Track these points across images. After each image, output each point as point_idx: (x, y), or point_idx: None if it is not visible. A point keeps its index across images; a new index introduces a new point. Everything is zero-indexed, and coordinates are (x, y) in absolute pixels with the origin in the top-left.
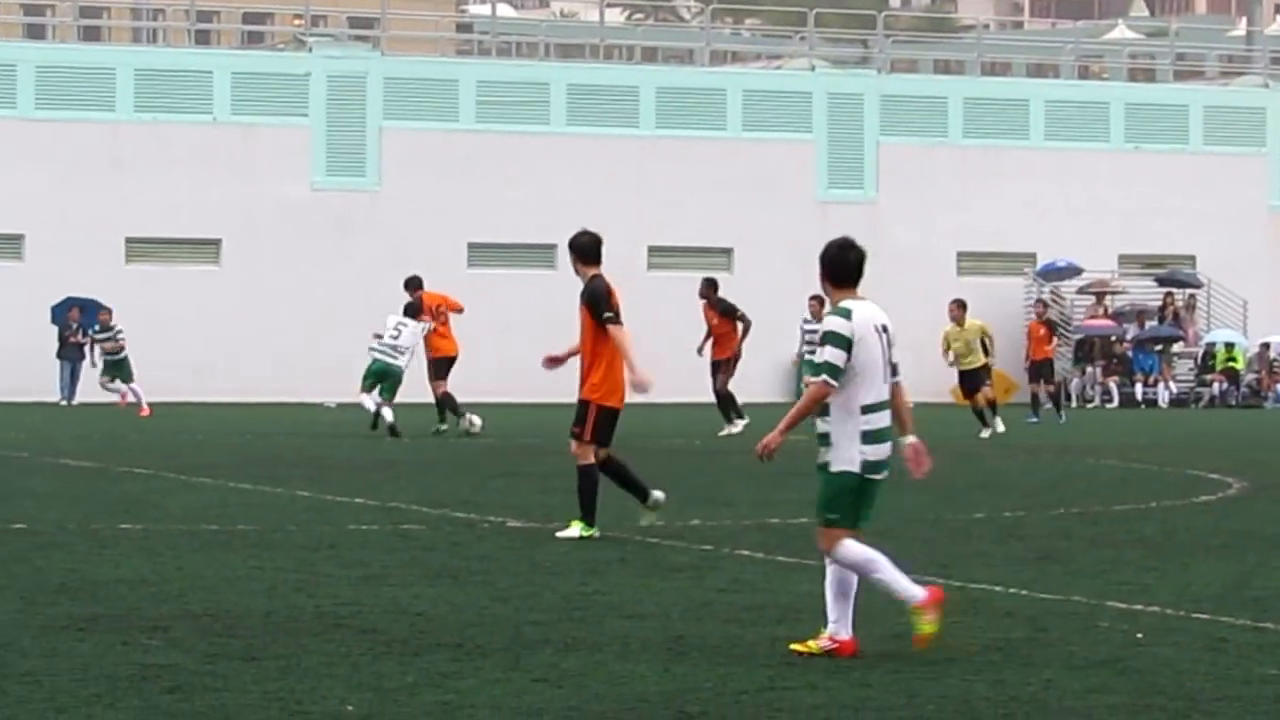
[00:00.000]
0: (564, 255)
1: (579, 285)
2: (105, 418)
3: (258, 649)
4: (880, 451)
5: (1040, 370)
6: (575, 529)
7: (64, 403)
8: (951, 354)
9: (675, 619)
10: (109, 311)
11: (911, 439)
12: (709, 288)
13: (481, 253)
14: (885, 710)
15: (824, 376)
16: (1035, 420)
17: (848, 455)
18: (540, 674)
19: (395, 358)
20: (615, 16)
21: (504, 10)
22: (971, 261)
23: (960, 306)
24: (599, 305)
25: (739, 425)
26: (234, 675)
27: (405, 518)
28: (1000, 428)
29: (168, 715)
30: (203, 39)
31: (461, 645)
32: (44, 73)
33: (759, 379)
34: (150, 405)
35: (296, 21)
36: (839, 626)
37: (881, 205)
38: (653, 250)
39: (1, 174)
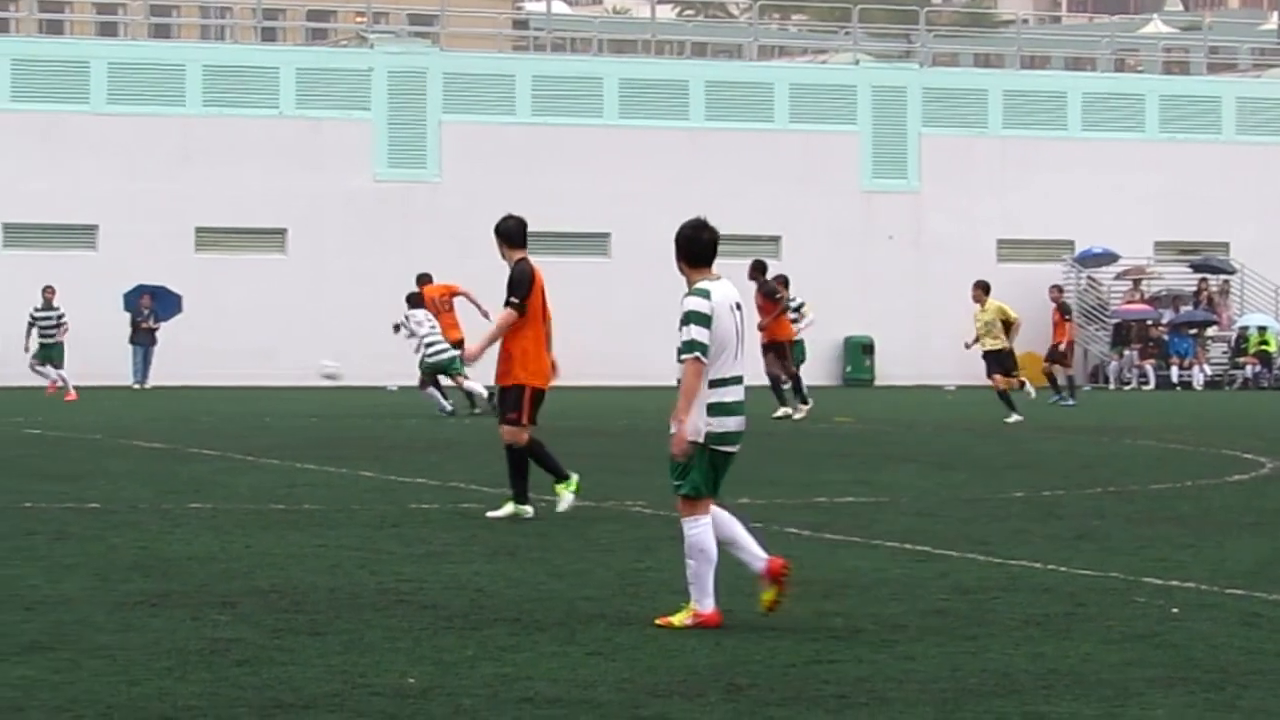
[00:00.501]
0: (617, 244)
1: (633, 272)
2: (176, 401)
3: (322, 624)
4: (727, 424)
5: (1053, 354)
6: (508, 508)
7: (136, 386)
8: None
9: (725, 594)
10: (53, 290)
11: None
12: (756, 270)
13: (538, 241)
14: (929, 682)
15: (695, 354)
16: (1059, 400)
17: (694, 426)
18: (595, 647)
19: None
20: (666, 13)
21: (559, 7)
22: (1011, 249)
23: (981, 288)
24: (511, 288)
25: (802, 410)
26: (300, 649)
27: (464, 497)
28: (1019, 415)
29: (236, 688)
30: (269, 36)
31: (519, 620)
32: (116, 69)
33: (807, 363)
34: (77, 390)
35: (359, 19)
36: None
37: (924, 195)
38: None
39: (76, 167)
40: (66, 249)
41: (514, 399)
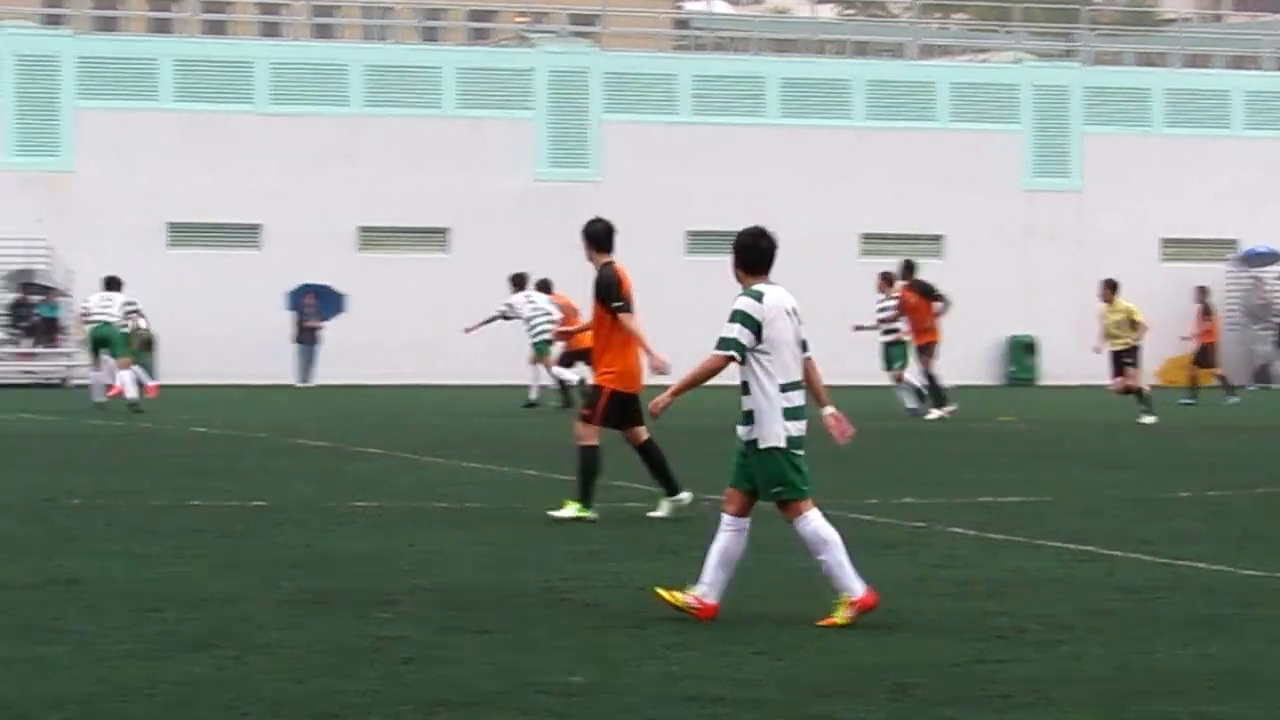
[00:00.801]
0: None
1: (798, 271)
2: (340, 399)
3: (487, 622)
4: (799, 427)
5: (1200, 355)
6: (571, 509)
7: (300, 385)
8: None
9: (889, 594)
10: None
11: (830, 409)
12: (906, 270)
13: (700, 240)
14: (1096, 682)
15: (729, 351)
16: (1190, 402)
17: (774, 431)
18: (760, 646)
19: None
20: (827, 12)
21: (720, 6)
22: (1175, 248)
23: (1110, 287)
24: (609, 294)
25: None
26: (464, 647)
27: (627, 495)
28: (1154, 417)
29: (401, 685)
30: (430, 36)
31: (684, 619)
32: (279, 69)
33: (967, 361)
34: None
35: (520, 19)
36: (709, 590)
37: (1086, 194)
38: (865, 238)
39: (240, 166)
40: (231, 248)
41: (592, 398)
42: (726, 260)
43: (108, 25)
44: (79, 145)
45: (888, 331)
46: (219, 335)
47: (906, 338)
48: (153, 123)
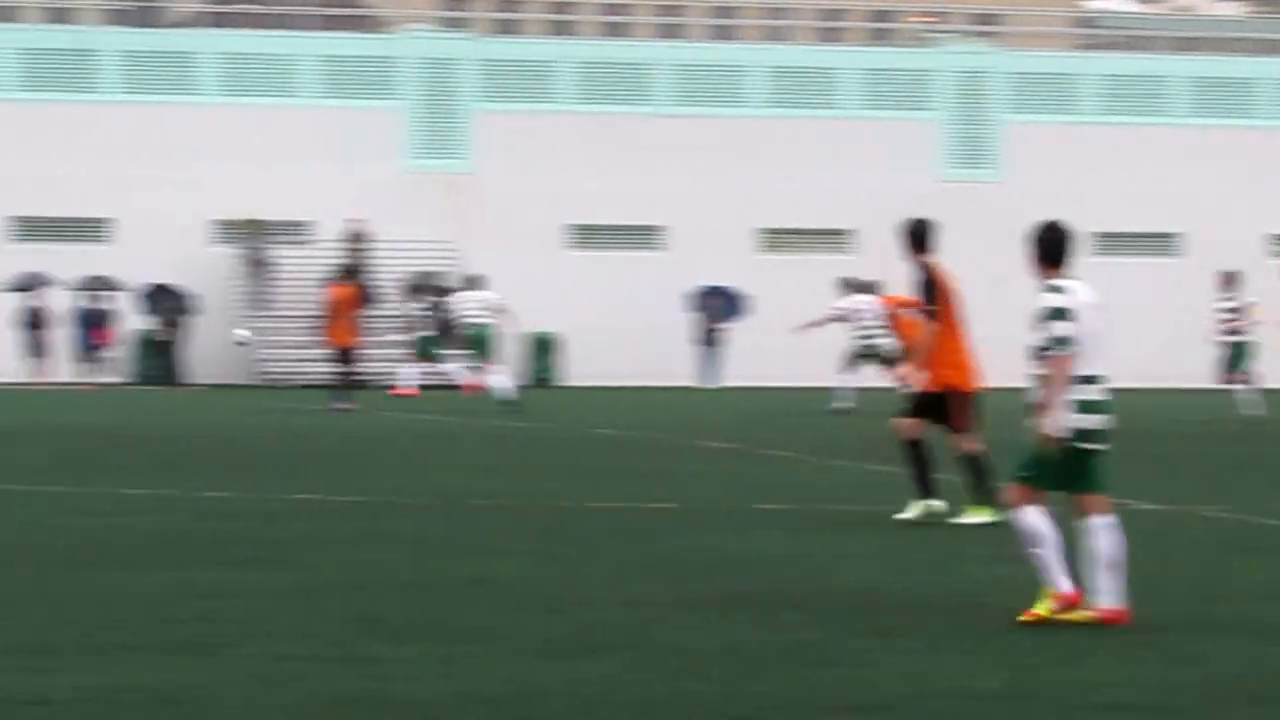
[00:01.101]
0: (1185, 243)
1: (1202, 271)
2: (744, 401)
3: (895, 626)
4: (1094, 421)
5: None
6: (977, 515)
7: (703, 386)
8: None
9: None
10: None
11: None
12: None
13: (1108, 242)
14: None
15: (1063, 350)
16: None
17: (1059, 422)
18: (1172, 653)
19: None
20: (1232, 9)
21: (1124, 5)
22: None
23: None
24: (926, 295)
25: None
26: (872, 651)
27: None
28: None
29: (808, 688)
30: (830, 37)
31: (1096, 624)
32: (680, 71)
33: None
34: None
35: (921, 19)
36: (1106, 597)
37: None
38: (1274, 238)
39: (641, 168)
40: (632, 250)
41: (949, 407)
42: (1133, 261)
43: (508, 28)
44: (479, 148)
45: (1232, 332)
46: (620, 336)
47: (1252, 338)
48: (552, 125)
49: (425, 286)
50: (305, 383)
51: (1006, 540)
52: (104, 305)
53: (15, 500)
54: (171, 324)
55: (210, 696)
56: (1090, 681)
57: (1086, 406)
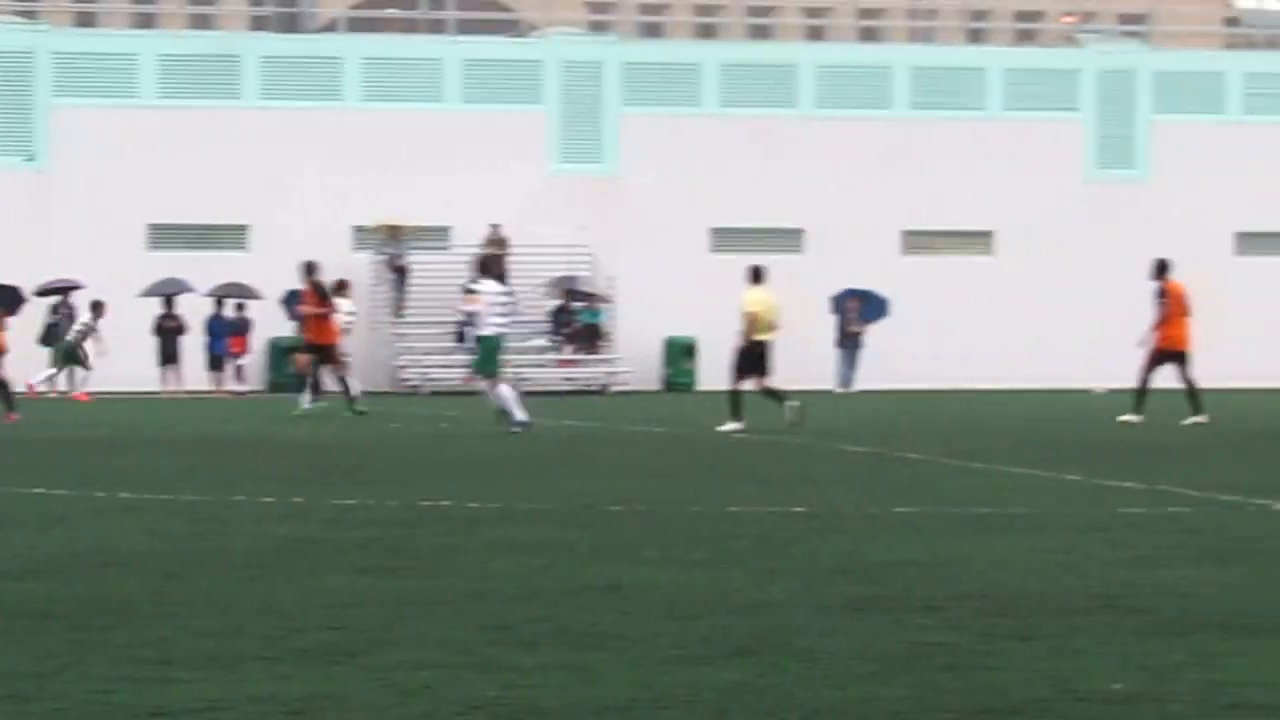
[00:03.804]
0: None
1: None
2: (883, 404)
3: (1029, 628)
4: None
5: None
6: None
7: (842, 390)
8: None
9: None
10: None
11: None
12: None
13: (1250, 241)
14: None
15: None
16: None
17: None
18: None
19: None
20: None
21: (1272, 4)
22: None
23: None
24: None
25: None
26: (1006, 654)
27: (1173, 500)
28: None
29: (941, 692)
30: (976, 37)
31: (1229, 625)
32: (824, 72)
33: None
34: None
35: (1068, 19)
36: None
37: None
38: None
39: (784, 170)
40: (774, 252)
41: None
42: (1274, 261)
43: (651, 31)
44: (623, 151)
45: None
46: None
47: None
48: (695, 127)
49: (572, 291)
50: (443, 389)
51: (1141, 541)
52: (240, 313)
53: (147, 509)
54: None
55: (338, 706)
56: (1224, 682)
57: None
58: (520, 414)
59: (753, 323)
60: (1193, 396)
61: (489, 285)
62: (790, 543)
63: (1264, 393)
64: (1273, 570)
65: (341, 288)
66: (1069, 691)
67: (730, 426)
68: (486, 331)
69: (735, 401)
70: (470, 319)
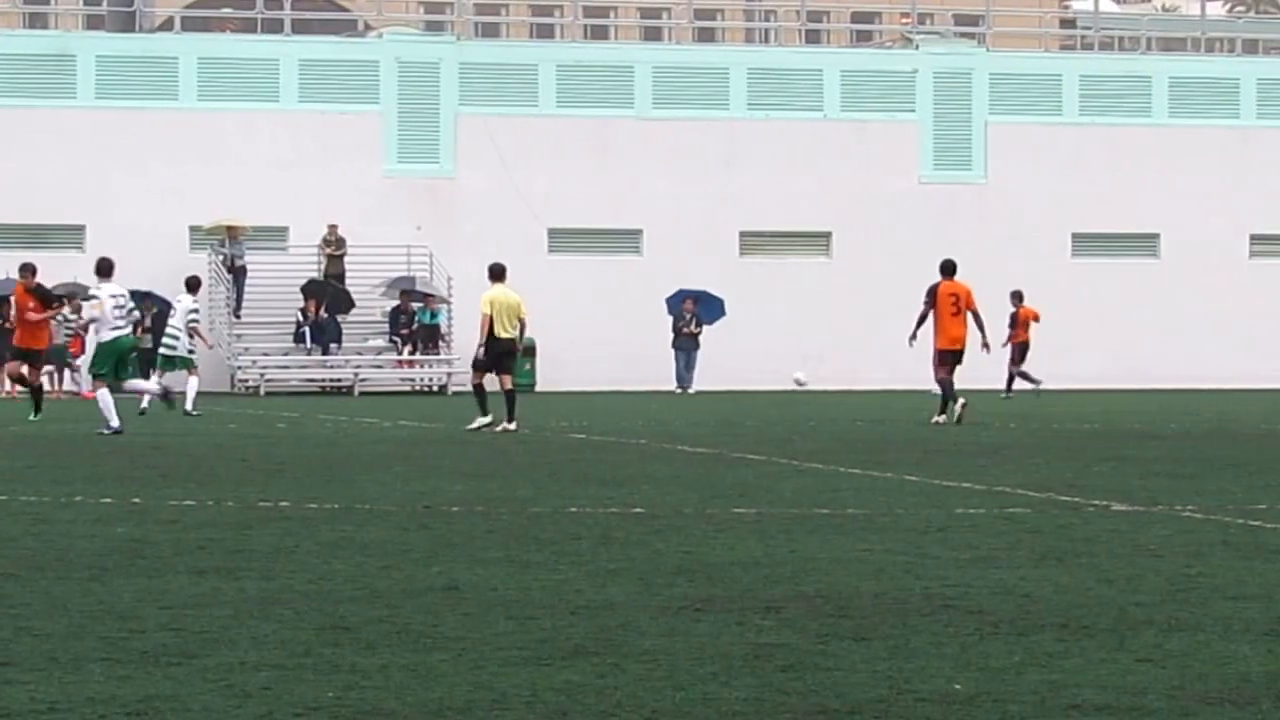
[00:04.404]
0: (1167, 244)
1: (1183, 273)
2: (720, 404)
3: (867, 629)
4: None
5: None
6: None
7: (679, 391)
8: None
9: (1279, 600)
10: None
11: None
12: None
13: (1086, 243)
14: None
15: None
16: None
17: None
18: (1144, 654)
19: None
20: (1216, 9)
21: (1107, 5)
22: None
23: None
24: None
25: None
26: (844, 654)
27: (1011, 501)
28: None
29: (781, 693)
30: (813, 38)
31: (1067, 625)
32: (660, 73)
33: None
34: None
35: (904, 20)
36: None
37: None
38: (1254, 238)
39: (621, 172)
40: (612, 254)
41: None
42: (1108, 264)
43: (488, 31)
44: (460, 151)
45: None
46: (598, 341)
47: None
48: (532, 127)
49: (409, 292)
50: (281, 390)
51: (980, 542)
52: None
53: None
54: (147, 331)
55: (178, 708)
56: (1063, 683)
57: None
58: (114, 421)
59: (486, 322)
60: (945, 395)
61: (108, 289)
62: (630, 543)
63: (1099, 393)
64: (1112, 571)
65: (194, 287)
66: (908, 692)
67: (479, 423)
68: (106, 337)
69: (481, 398)
70: (91, 325)
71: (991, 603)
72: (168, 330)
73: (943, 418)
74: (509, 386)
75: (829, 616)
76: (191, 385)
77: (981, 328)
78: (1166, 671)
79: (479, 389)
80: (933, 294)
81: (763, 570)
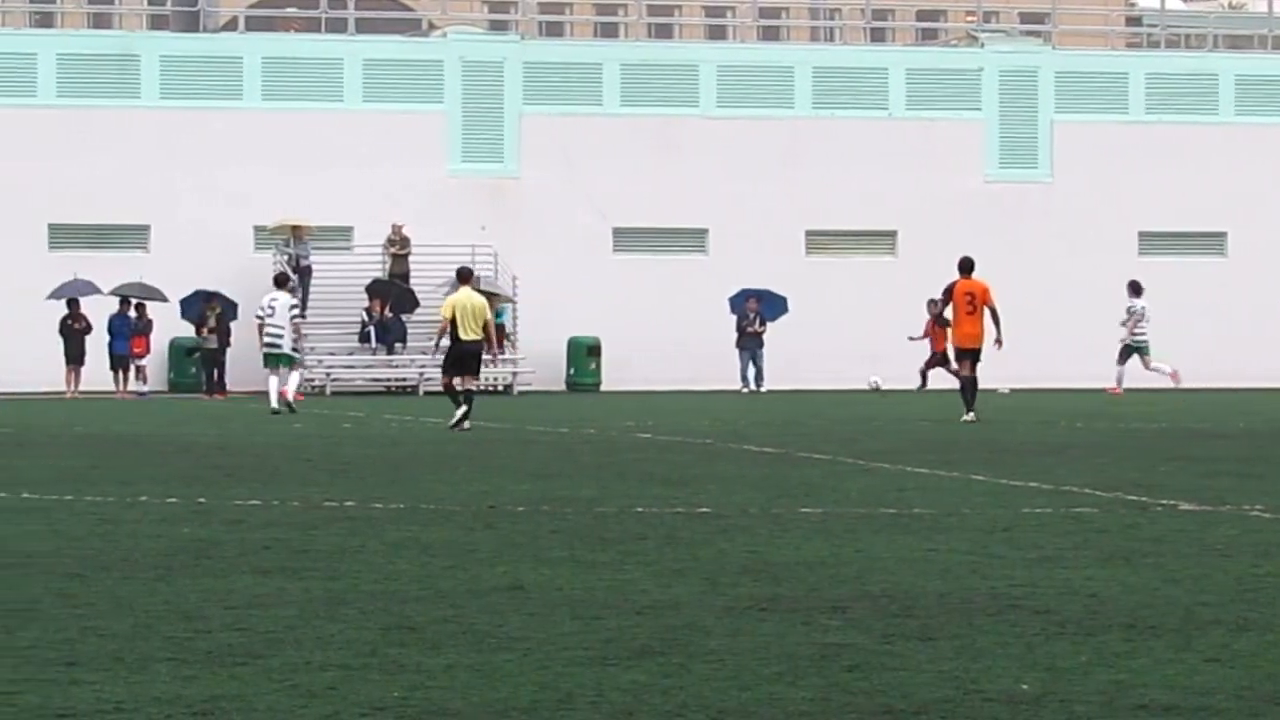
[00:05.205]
0: (1234, 243)
1: (1251, 272)
2: (785, 404)
3: (933, 629)
4: None
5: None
6: None
7: (744, 390)
8: None
9: None
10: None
11: None
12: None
13: (1152, 241)
14: None
15: None
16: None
17: None
18: (1212, 654)
19: None
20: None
21: (1173, 3)
22: None
23: None
24: None
25: None
26: (910, 654)
27: (1078, 501)
28: None
29: (846, 693)
30: (878, 36)
31: (1134, 625)
32: (725, 71)
33: None
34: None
35: (970, 18)
36: None
37: None
38: None
39: (686, 171)
40: (677, 253)
41: None
42: (1174, 262)
43: (551, 30)
44: (524, 150)
45: None
46: (663, 341)
47: None
48: (596, 126)
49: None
50: (346, 390)
51: (1046, 542)
52: (142, 314)
53: (50, 510)
54: (213, 331)
55: (243, 708)
56: (1130, 683)
57: None
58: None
59: (444, 325)
60: (966, 392)
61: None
62: (695, 543)
63: (1165, 392)
64: (1179, 571)
65: (284, 283)
66: (974, 692)
67: (458, 415)
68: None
69: (453, 396)
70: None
71: (1058, 602)
72: (270, 329)
73: (972, 415)
74: (469, 386)
75: (895, 616)
76: (293, 379)
77: (998, 324)
78: (1234, 672)
79: (449, 388)
80: (949, 292)
81: (828, 570)
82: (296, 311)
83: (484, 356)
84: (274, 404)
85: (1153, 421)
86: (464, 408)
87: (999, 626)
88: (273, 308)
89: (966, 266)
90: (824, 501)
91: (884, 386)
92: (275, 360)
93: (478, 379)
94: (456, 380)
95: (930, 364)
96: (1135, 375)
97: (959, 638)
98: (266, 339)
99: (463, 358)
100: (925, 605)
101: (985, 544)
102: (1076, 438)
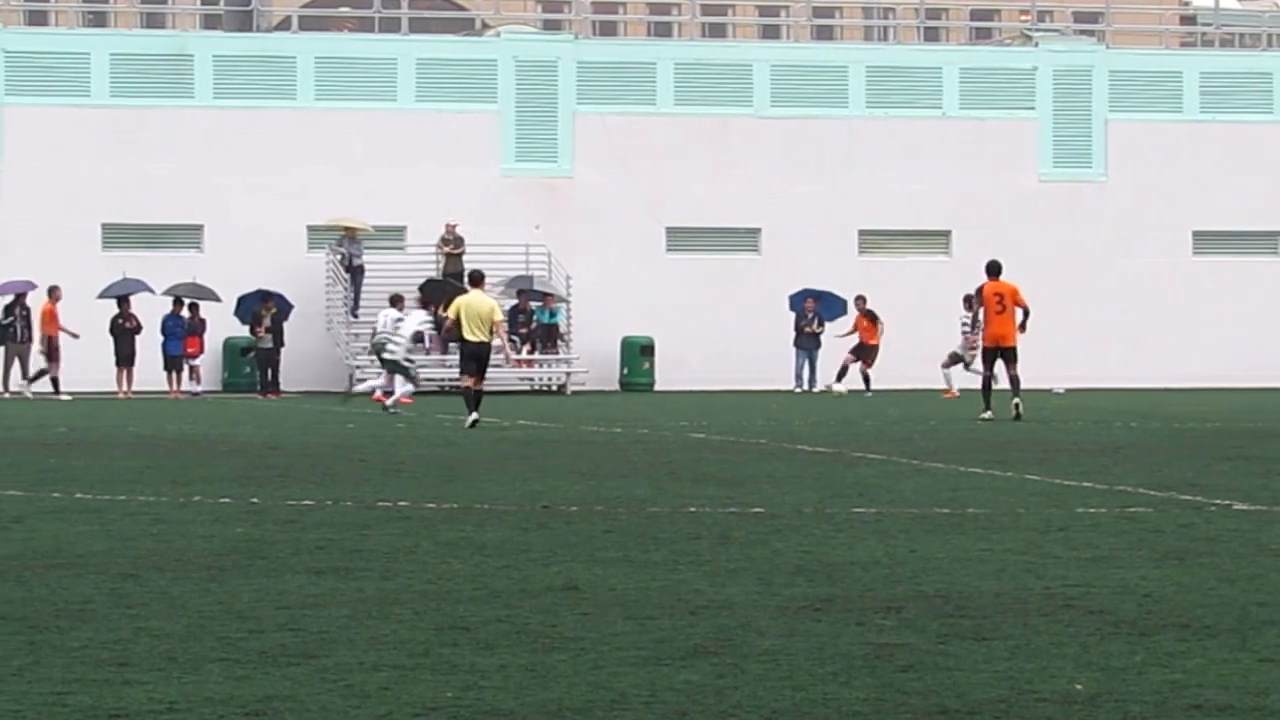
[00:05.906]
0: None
1: None
2: (840, 404)
3: (987, 629)
4: None
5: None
6: None
7: (799, 390)
8: None
9: None
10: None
11: None
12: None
13: (1207, 241)
14: None
15: None
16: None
17: None
18: (1267, 654)
19: None
20: None
21: (1228, 2)
22: None
23: None
24: None
25: None
26: (964, 654)
27: (1132, 501)
28: None
29: (901, 693)
30: (932, 36)
31: (1189, 625)
32: (779, 70)
33: None
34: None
35: (1024, 17)
36: None
37: None
38: None
39: (740, 170)
40: (730, 252)
41: None
42: (1229, 261)
43: (605, 30)
44: (578, 150)
45: None
46: (717, 340)
47: None
48: (650, 126)
49: (527, 291)
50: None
51: (1101, 541)
52: (195, 313)
53: (103, 510)
54: (269, 330)
55: (296, 708)
56: (1185, 683)
57: None
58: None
59: (449, 324)
60: (986, 391)
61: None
62: (749, 543)
63: (1222, 392)
64: (1234, 570)
65: (397, 301)
66: (1029, 692)
67: (472, 418)
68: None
69: (465, 397)
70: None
71: (1113, 602)
72: (394, 339)
73: (989, 413)
74: (478, 386)
75: (949, 616)
76: (399, 384)
77: (1026, 316)
78: None
79: (467, 390)
80: (978, 295)
81: (882, 570)
82: (430, 324)
83: (496, 359)
84: (389, 406)
85: (1207, 421)
86: (474, 414)
87: (1053, 626)
88: (398, 325)
89: (994, 269)
90: (878, 501)
91: (957, 387)
92: (392, 366)
93: (483, 379)
94: (469, 381)
95: (857, 358)
96: (1188, 375)
97: (1013, 638)
98: (386, 355)
99: (469, 358)
100: (980, 605)
101: (1040, 544)
102: (1130, 437)
